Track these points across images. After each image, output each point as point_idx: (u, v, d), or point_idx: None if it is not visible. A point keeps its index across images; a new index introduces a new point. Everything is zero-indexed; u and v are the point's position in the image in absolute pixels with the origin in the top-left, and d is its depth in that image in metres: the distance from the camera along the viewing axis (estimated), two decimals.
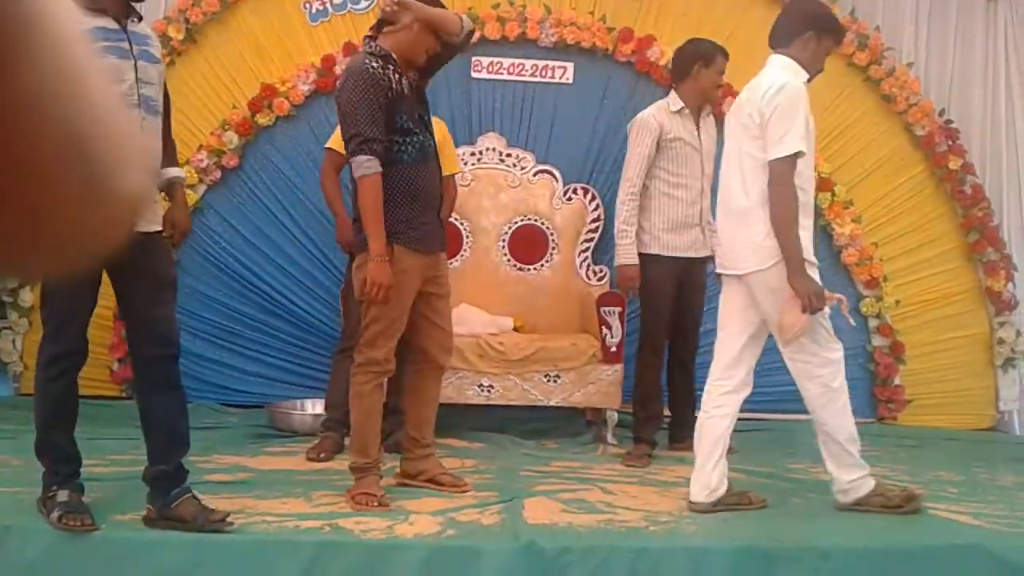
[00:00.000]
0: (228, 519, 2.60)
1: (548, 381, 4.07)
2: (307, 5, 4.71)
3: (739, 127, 3.05)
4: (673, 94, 3.88)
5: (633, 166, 3.77)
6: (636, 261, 3.76)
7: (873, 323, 4.82)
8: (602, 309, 4.08)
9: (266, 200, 4.66)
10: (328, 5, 4.71)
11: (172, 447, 2.68)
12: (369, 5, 4.72)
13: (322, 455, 3.58)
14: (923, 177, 4.88)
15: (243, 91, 4.61)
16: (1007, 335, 4.80)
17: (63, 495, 2.58)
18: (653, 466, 3.74)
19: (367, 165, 2.87)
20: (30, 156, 0.35)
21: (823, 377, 3.02)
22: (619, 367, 4.09)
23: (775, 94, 2.90)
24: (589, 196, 4.70)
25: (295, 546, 2.58)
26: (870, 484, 3.07)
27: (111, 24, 2.53)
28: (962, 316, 4.85)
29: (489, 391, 4.06)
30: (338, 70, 4.60)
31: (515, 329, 4.38)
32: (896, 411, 4.82)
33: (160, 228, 2.70)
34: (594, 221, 4.71)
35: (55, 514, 2.54)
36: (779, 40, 3.12)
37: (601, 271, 4.70)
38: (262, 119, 4.63)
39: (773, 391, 4.86)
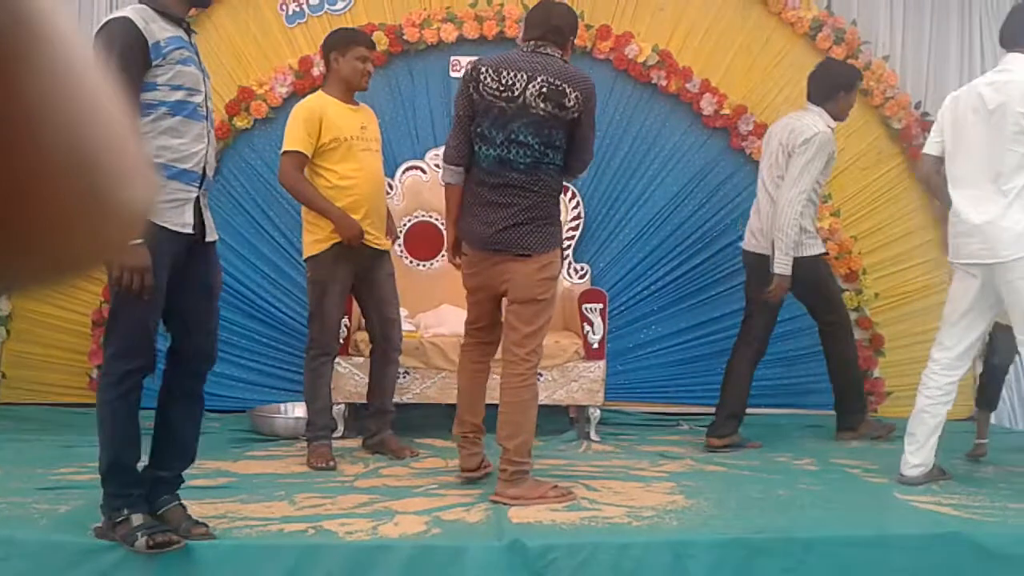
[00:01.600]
0: (211, 532, 2.57)
1: None
2: (283, 7, 4.70)
3: (988, 124, 3.23)
4: (824, 112, 3.97)
5: (809, 178, 3.85)
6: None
7: (853, 316, 4.85)
8: (584, 306, 4.09)
9: (245, 203, 4.64)
10: (305, 6, 4.70)
11: (179, 457, 2.66)
12: (346, 6, 4.71)
13: (331, 463, 3.49)
14: (900, 170, 4.91)
15: (220, 94, 4.58)
16: None
17: (138, 518, 2.48)
18: (635, 461, 3.75)
19: None
20: (30, 166, 0.35)
21: None
22: (602, 363, 4.10)
23: None
24: (569, 195, 4.70)
25: (279, 549, 2.57)
26: None
27: (184, 36, 2.53)
28: (941, 308, 4.85)
29: None
30: (316, 72, 4.59)
31: None
32: (876, 403, 4.85)
33: (216, 239, 2.68)
34: (574, 219, 4.71)
35: (142, 539, 2.44)
36: (1018, 40, 3.34)
37: (582, 269, 4.71)
38: (240, 122, 4.61)
39: (755, 385, 4.89)
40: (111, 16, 2.48)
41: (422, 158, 4.68)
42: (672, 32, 4.80)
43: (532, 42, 3.08)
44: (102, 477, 2.53)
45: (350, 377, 3.98)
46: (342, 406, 4.01)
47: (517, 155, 3.00)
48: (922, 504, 3.15)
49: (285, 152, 3.53)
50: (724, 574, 2.63)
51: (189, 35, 2.57)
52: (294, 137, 3.50)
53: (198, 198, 2.56)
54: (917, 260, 4.88)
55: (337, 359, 3.79)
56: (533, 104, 2.98)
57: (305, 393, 3.69)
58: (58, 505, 2.87)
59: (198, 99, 2.53)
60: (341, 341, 3.83)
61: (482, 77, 3.04)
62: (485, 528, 2.76)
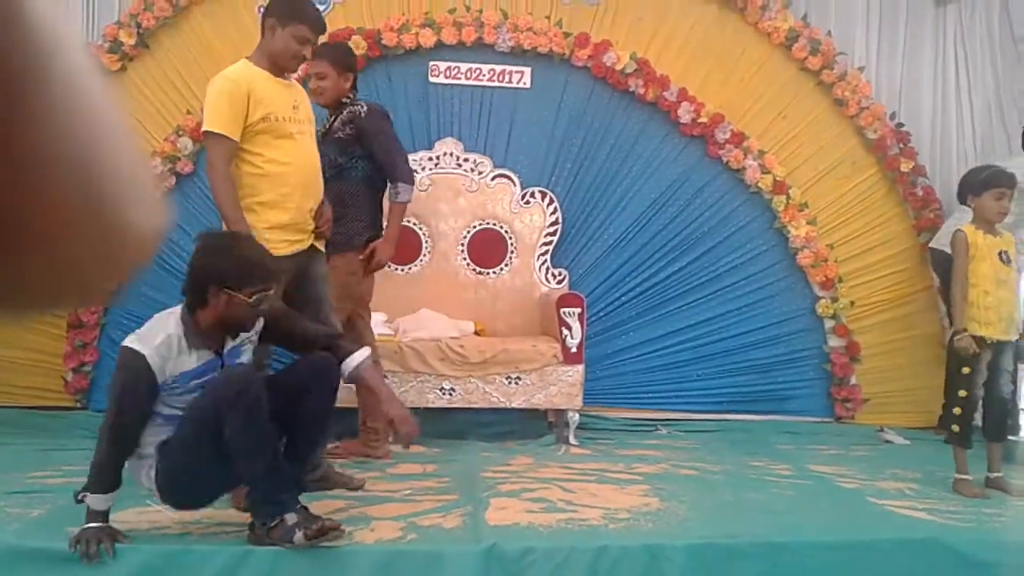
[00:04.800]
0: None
1: (509, 383, 4.07)
2: (261, 8, 4.65)
3: None
4: None
5: None
6: None
7: (829, 324, 4.89)
8: (562, 311, 4.10)
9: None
10: None
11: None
12: (325, 9, 4.69)
13: None
14: (875, 179, 4.96)
15: (197, 96, 4.55)
16: None
17: (291, 517, 2.53)
18: (612, 464, 3.75)
19: None
20: (40, 194, 0.35)
21: None
22: (580, 367, 4.11)
23: None
24: (547, 200, 4.72)
25: (254, 554, 2.54)
26: None
27: (213, 357, 2.59)
28: (915, 316, 4.94)
29: (451, 394, 4.05)
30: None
31: (476, 333, 4.38)
32: (853, 410, 4.88)
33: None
34: (552, 224, 4.73)
35: (299, 534, 2.50)
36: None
37: (560, 274, 4.72)
38: None
39: (732, 392, 4.91)
40: (130, 345, 2.47)
41: None
42: (650, 41, 4.83)
43: None
44: (249, 488, 2.57)
45: None
46: None
47: None
48: (897, 509, 3.17)
49: (211, 133, 2.98)
50: None
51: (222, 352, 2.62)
52: (219, 115, 2.97)
53: None
54: (892, 268, 4.93)
55: None
56: None
57: None
58: (31, 509, 2.84)
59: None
60: None
61: None
62: (462, 533, 2.75)
